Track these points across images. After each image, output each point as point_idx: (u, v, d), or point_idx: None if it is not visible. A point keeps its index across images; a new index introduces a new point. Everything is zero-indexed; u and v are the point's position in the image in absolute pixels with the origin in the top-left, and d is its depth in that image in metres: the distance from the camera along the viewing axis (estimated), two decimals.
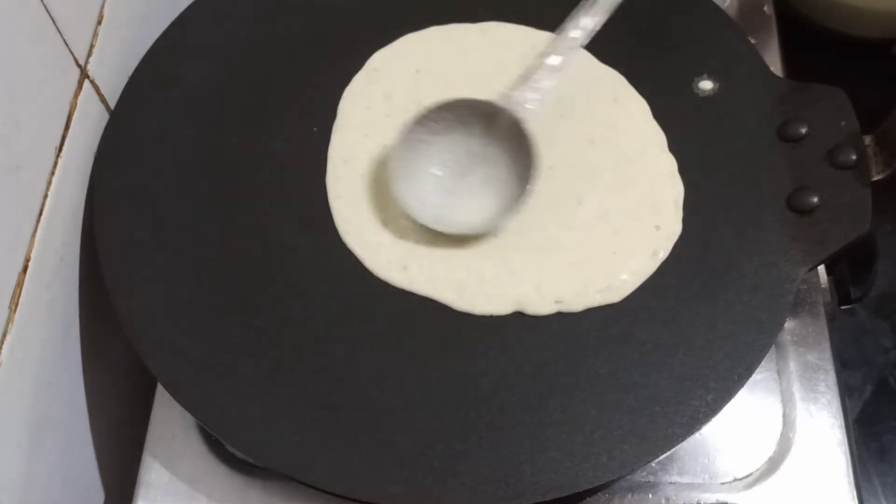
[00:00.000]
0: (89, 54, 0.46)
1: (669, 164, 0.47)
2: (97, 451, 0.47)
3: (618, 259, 0.45)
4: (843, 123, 0.47)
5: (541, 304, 0.44)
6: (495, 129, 0.46)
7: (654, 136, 0.48)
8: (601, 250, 0.45)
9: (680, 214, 0.46)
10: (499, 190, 0.45)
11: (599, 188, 0.47)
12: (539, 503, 0.39)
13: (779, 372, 0.45)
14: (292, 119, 0.49)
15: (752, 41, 0.51)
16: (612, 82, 0.50)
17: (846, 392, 0.46)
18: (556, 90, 0.47)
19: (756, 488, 0.43)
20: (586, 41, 0.47)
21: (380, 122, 0.48)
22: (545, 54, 0.47)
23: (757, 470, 0.43)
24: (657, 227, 0.45)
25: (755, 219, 0.46)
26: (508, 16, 0.52)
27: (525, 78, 0.47)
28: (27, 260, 0.41)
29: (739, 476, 0.43)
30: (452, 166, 0.46)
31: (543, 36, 0.50)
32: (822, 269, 0.47)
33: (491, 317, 0.44)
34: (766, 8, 0.56)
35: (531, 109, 0.46)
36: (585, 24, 0.47)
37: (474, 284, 0.44)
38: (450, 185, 0.46)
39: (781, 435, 0.44)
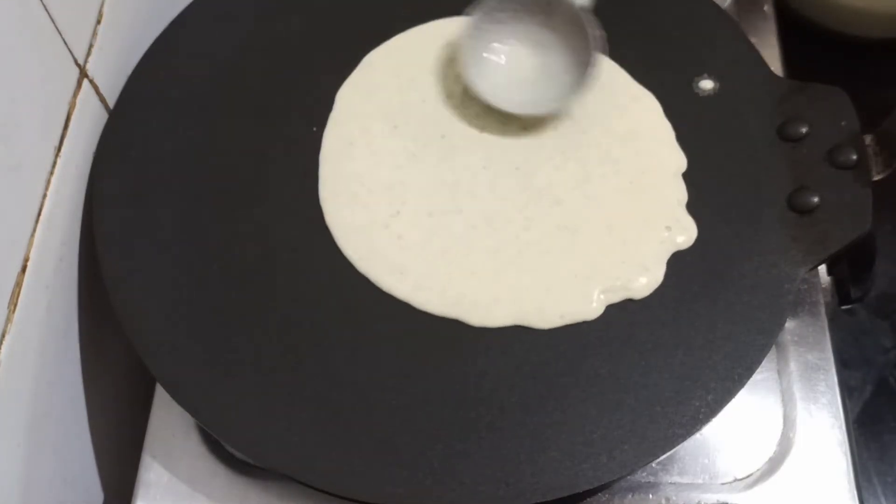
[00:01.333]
0: (88, 54, 0.46)
1: (678, 165, 0.47)
2: (97, 451, 0.47)
3: (627, 268, 0.44)
4: (843, 123, 0.47)
5: (545, 320, 0.43)
6: (555, 17, 0.48)
7: (665, 136, 0.48)
8: (610, 260, 0.44)
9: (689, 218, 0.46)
10: (560, 75, 0.48)
11: (608, 198, 0.46)
12: (539, 503, 0.39)
13: (779, 372, 0.45)
14: (292, 118, 0.49)
15: (752, 41, 0.51)
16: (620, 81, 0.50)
17: (846, 392, 0.46)
18: None
19: (756, 488, 0.43)
20: None
21: (379, 118, 0.48)
22: None
23: (757, 470, 0.43)
24: (668, 228, 0.45)
25: (755, 219, 0.46)
26: None
27: None
28: (26, 260, 0.41)
29: (740, 476, 0.43)
30: (516, 53, 0.49)
31: None
32: (822, 269, 0.48)
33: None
34: (766, 8, 0.56)
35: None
36: None
37: (477, 300, 0.44)
38: (515, 70, 0.49)
39: (781, 435, 0.44)
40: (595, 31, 0.47)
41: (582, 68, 0.47)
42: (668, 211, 0.46)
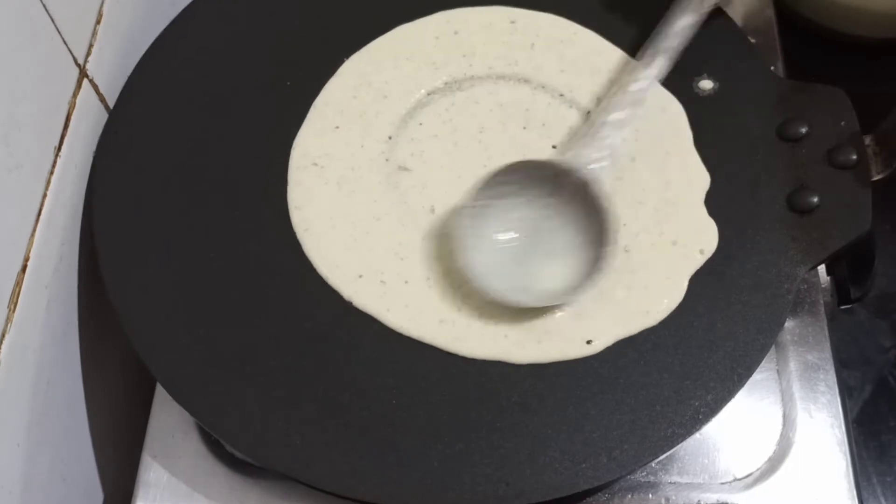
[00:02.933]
0: (88, 53, 0.46)
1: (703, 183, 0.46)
2: (96, 451, 0.47)
3: (653, 293, 0.43)
4: (843, 123, 0.47)
5: (573, 349, 0.42)
6: (562, 190, 0.44)
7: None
8: (635, 286, 0.43)
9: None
10: (571, 255, 0.43)
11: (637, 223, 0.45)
12: (539, 503, 0.39)
13: (779, 372, 0.45)
14: (292, 118, 0.49)
15: (753, 41, 0.51)
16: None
17: (846, 392, 0.46)
18: (622, 146, 0.45)
19: (756, 488, 0.43)
20: (648, 92, 0.46)
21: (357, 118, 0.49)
22: (609, 109, 0.46)
23: (757, 470, 0.43)
24: (701, 252, 0.44)
25: (755, 219, 0.45)
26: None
27: (590, 135, 0.45)
28: (26, 259, 0.41)
29: (739, 476, 0.43)
30: (519, 232, 0.44)
31: (507, 11, 0.51)
32: (822, 269, 0.47)
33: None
34: (766, 8, 0.56)
35: (599, 169, 0.44)
36: (649, 74, 0.46)
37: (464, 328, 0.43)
38: (519, 253, 0.44)
39: (781, 435, 0.44)
40: (608, 207, 0.42)
41: (596, 246, 0.43)
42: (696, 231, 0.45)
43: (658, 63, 0.47)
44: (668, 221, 0.45)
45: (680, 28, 0.48)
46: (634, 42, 0.51)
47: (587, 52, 0.51)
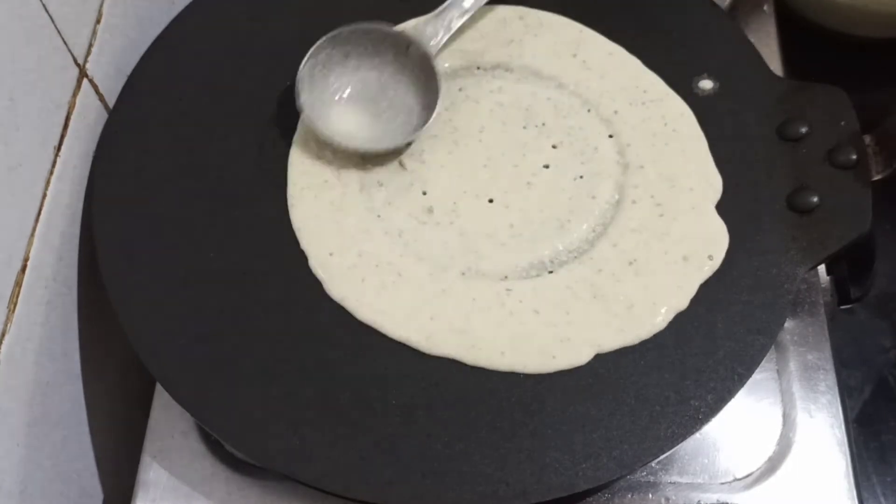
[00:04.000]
0: (88, 53, 0.46)
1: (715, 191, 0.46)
2: (96, 451, 0.47)
3: (661, 301, 0.43)
4: (843, 123, 0.47)
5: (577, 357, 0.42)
6: (406, 58, 0.48)
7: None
8: (641, 295, 0.43)
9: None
10: (403, 115, 0.48)
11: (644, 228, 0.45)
12: (539, 503, 0.39)
13: (779, 372, 0.45)
14: (292, 118, 0.49)
15: (752, 41, 0.51)
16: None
17: (846, 392, 0.46)
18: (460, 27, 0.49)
19: (756, 488, 0.43)
20: None
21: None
22: None
23: (757, 470, 0.43)
24: (710, 258, 0.44)
25: (755, 219, 0.45)
26: None
27: (438, 13, 0.49)
28: (26, 259, 0.41)
29: (739, 476, 0.43)
30: (362, 89, 0.49)
31: (511, 10, 0.52)
32: (822, 268, 0.47)
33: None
34: (766, 8, 0.56)
35: (438, 44, 0.48)
36: None
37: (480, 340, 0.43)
38: (359, 106, 0.48)
39: (781, 435, 0.44)
40: (441, 79, 0.47)
41: (427, 111, 0.47)
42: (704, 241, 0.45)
43: None
44: (681, 228, 0.45)
45: None
46: (635, 42, 0.51)
47: (589, 52, 0.51)
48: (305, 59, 0.47)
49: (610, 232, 0.45)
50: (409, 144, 0.47)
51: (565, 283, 0.44)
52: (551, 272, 0.44)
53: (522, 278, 0.44)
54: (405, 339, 0.43)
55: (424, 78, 0.48)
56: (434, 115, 0.47)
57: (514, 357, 0.42)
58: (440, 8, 0.49)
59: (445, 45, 0.50)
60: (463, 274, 0.44)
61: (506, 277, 0.44)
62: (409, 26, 0.49)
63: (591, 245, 0.45)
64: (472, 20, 0.51)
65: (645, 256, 0.44)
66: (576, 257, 0.45)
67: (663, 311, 0.43)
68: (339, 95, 0.48)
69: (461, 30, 0.51)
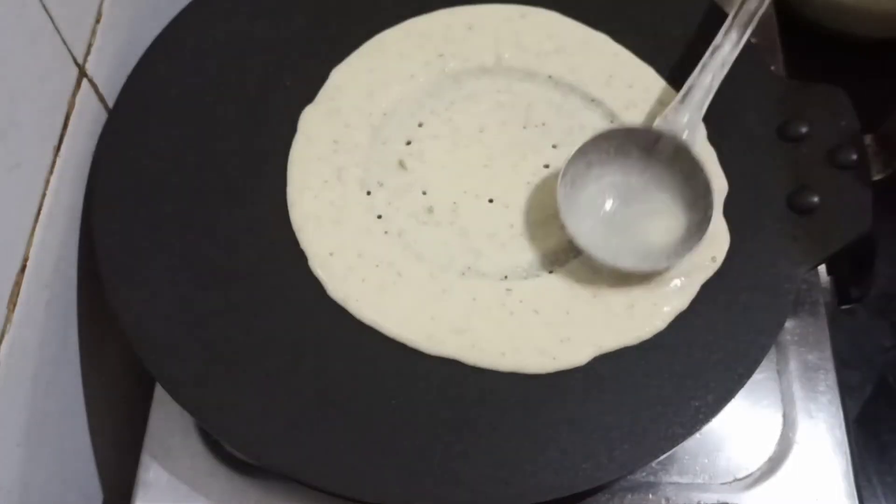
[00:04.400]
0: (87, 53, 0.46)
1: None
2: (96, 451, 0.47)
3: (663, 302, 0.43)
4: (843, 123, 0.47)
5: (577, 357, 0.42)
6: (656, 155, 0.45)
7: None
8: (643, 297, 0.43)
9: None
10: (666, 221, 0.44)
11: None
12: (539, 503, 0.39)
13: (779, 372, 0.45)
14: (292, 117, 0.49)
15: (752, 41, 0.51)
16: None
17: (846, 392, 0.46)
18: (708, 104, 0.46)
19: (756, 488, 0.43)
20: (736, 52, 0.47)
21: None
22: (700, 72, 0.46)
23: (757, 470, 0.43)
24: (713, 259, 0.44)
25: (755, 219, 0.45)
26: None
27: (680, 99, 0.46)
28: (25, 259, 0.41)
29: (739, 476, 0.43)
30: (615, 199, 0.45)
31: (513, 9, 0.51)
32: (822, 269, 0.48)
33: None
34: (766, 8, 0.56)
35: (692, 132, 0.45)
36: (731, 38, 0.47)
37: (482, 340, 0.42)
38: (618, 219, 0.45)
39: (781, 435, 0.44)
40: (706, 169, 0.43)
41: (694, 211, 0.44)
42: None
43: (735, 32, 0.47)
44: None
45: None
46: (635, 42, 0.51)
47: (591, 52, 0.50)
48: (559, 179, 0.44)
49: None
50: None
51: (565, 283, 0.44)
52: (551, 272, 0.44)
53: (522, 278, 0.44)
54: (405, 340, 0.43)
55: (682, 174, 0.44)
56: (711, 213, 0.43)
57: (514, 358, 0.42)
58: (682, 93, 0.46)
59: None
60: (463, 274, 0.44)
61: (506, 277, 0.44)
62: (657, 121, 0.46)
63: None
64: (473, 19, 0.51)
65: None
66: (575, 256, 0.45)
67: (665, 310, 0.43)
68: (599, 210, 0.45)
69: (460, 29, 0.51)
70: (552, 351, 0.42)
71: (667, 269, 0.43)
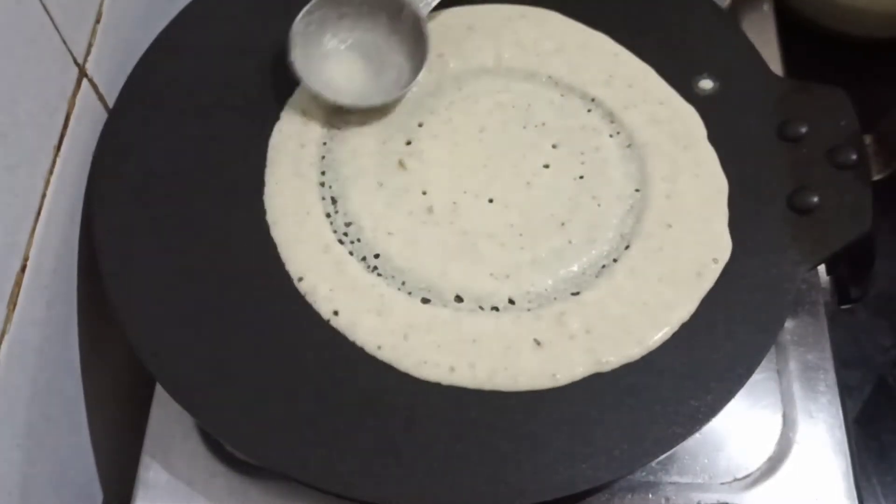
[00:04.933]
0: (87, 53, 0.46)
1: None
2: (96, 451, 0.47)
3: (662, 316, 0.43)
4: (843, 123, 0.47)
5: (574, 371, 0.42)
6: (399, 22, 0.49)
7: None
8: (643, 308, 0.43)
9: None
10: (391, 73, 0.49)
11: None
12: (539, 503, 0.39)
13: (779, 372, 0.45)
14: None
15: (752, 41, 0.51)
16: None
17: (846, 392, 0.46)
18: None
19: (756, 488, 0.43)
20: None
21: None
22: None
23: (757, 470, 0.43)
24: (714, 261, 0.44)
25: (755, 219, 0.45)
26: None
27: None
28: (25, 259, 0.41)
29: (739, 476, 0.43)
30: (355, 48, 0.50)
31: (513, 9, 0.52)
32: (822, 268, 0.47)
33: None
34: (766, 8, 0.56)
35: (429, 6, 0.49)
36: None
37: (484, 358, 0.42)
38: (350, 64, 0.50)
39: (781, 435, 0.44)
40: (429, 42, 0.49)
41: (415, 72, 0.49)
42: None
43: None
44: (690, 237, 0.45)
45: None
46: (635, 42, 0.51)
47: (591, 52, 0.50)
48: (300, 15, 0.48)
49: (612, 236, 0.45)
50: (396, 101, 0.49)
51: (568, 290, 0.44)
52: (552, 282, 0.44)
53: (524, 287, 0.44)
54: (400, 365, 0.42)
55: (415, 40, 0.49)
56: (422, 72, 0.48)
57: (513, 381, 0.41)
58: None
59: (447, 39, 0.50)
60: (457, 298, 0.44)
61: (507, 276, 0.44)
62: None
63: (592, 245, 0.45)
64: (473, 19, 0.51)
65: (650, 262, 0.44)
66: (575, 257, 0.45)
67: (665, 330, 0.42)
68: (331, 52, 0.49)
69: (460, 29, 0.51)
70: (550, 369, 0.42)
71: (384, 103, 0.48)
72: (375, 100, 0.48)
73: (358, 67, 0.50)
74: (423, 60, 0.48)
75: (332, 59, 0.49)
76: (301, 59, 0.48)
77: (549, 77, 0.50)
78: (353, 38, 0.50)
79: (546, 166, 0.47)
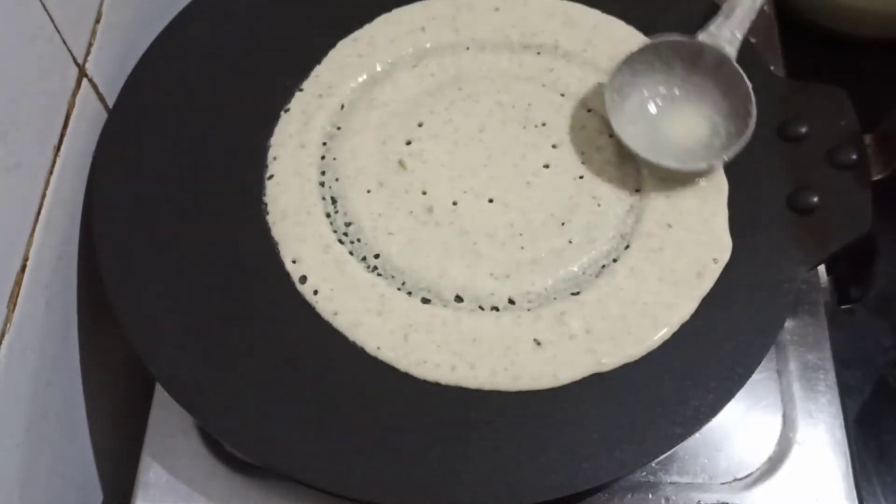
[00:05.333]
0: (87, 53, 0.46)
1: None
2: (96, 451, 0.47)
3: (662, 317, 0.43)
4: (843, 123, 0.47)
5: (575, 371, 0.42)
6: (698, 68, 0.47)
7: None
8: (643, 310, 0.43)
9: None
10: (706, 128, 0.46)
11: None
12: (539, 503, 0.39)
13: (779, 372, 0.45)
14: None
15: (752, 41, 0.51)
16: None
17: (846, 392, 0.46)
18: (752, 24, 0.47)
19: (756, 488, 0.43)
20: None
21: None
22: None
23: (757, 470, 0.43)
24: (714, 261, 0.44)
25: (755, 219, 0.45)
26: None
27: (724, 14, 0.48)
28: (25, 259, 0.41)
29: (739, 476, 0.43)
30: (658, 106, 0.47)
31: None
32: (822, 268, 0.48)
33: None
34: (766, 8, 0.56)
35: (735, 46, 0.47)
36: None
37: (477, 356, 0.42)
38: (661, 124, 0.47)
39: (781, 435, 0.44)
40: (747, 80, 0.46)
41: (734, 121, 0.46)
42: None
43: None
44: (690, 237, 0.45)
45: None
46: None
47: (592, 50, 0.50)
48: (605, 93, 0.47)
49: (612, 236, 0.45)
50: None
51: (568, 290, 0.44)
52: (552, 282, 0.44)
53: (524, 287, 0.44)
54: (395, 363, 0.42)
55: (724, 85, 0.47)
56: (751, 122, 0.45)
57: (514, 382, 0.41)
58: (724, 9, 0.48)
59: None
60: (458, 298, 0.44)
61: (507, 276, 0.44)
62: (700, 35, 0.48)
63: (592, 245, 0.45)
64: (473, 17, 0.51)
65: (650, 262, 0.44)
66: (575, 257, 0.45)
67: (664, 330, 0.42)
68: (642, 114, 0.47)
69: (460, 28, 0.51)
70: (551, 370, 0.41)
71: (708, 170, 0.45)
72: (701, 163, 0.46)
73: (668, 126, 0.47)
74: (745, 105, 0.45)
75: (645, 120, 0.47)
76: (620, 127, 0.46)
77: (549, 77, 0.50)
78: (652, 95, 0.47)
79: (546, 166, 0.47)
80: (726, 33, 0.47)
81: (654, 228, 0.45)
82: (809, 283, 0.47)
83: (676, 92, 0.47)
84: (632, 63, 0.47)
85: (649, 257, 0.44)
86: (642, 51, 0.47)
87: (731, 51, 0.47)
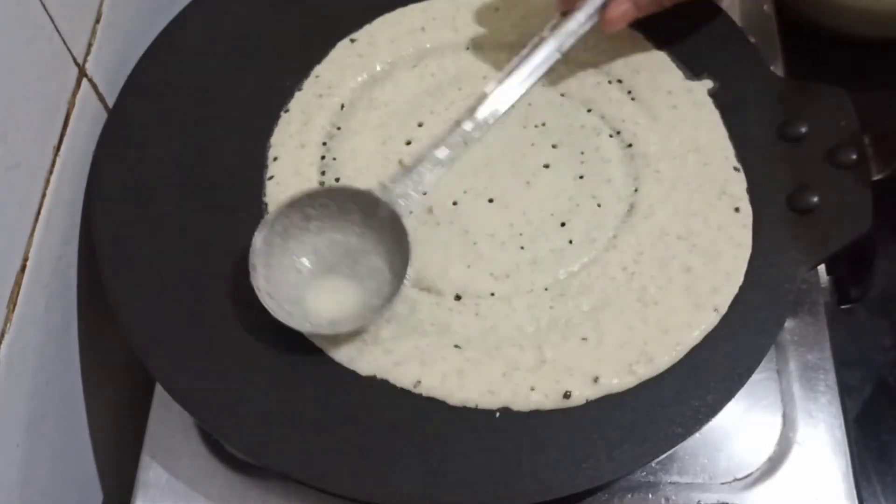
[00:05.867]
0: (87, 53, 0.46)
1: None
2: (95, 451, 0.47)
3: (670, 336, 0.42)
4: (843, 123, 0.47)
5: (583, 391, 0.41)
6: (374, 220, 0.44)
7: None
8: (651, 328, 0.42)
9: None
10: (370, 284, 0.43)
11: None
12: (539, 503, 0.39)
13: (779, 372, 0.45)
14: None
15: (752, 41, 0.51)
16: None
17: (846, 392, 0.46)
18: (436, 184, 0.45)
19: (756, 488, 0.43)
20: (479, 136, 0.47)
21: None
22: (434, 145, 0.46)
23: (757, 470, 0.43)
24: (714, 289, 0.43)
25: (755, 219, 0.45)
26: None
27: (409, 169, 0.46)
28: (25, 259, 0.41)
29: (739, 476, 0.43)
30: (323, 257, 0.44)
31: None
32: (822, 268, 0.48)
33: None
34: (765, 7, 0.56)
35: (409, 204, 0.44)
36: (481, 115, 0.47)
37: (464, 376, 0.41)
38: (315, 279, 0.43)
39: (781, 435, 0.44)
40: (410, 243, 0.42)
41: (397, 279, 0.42)
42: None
43: (488, 103, 0.47)
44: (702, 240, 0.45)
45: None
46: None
47: (594, 50, 0.50)
48: (258, 229, 0.42)
49: (612, 235, 0.45)
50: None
51: (571, 301, 0.43)
52: (546, 289, 0.44)
53: (524, 286, 0.44)
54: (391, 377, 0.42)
55: (395, 241, 0.43)
56: (402, 286, 0.42)
57: (508, 400, 0.41)
58: (411, 163, 0.46)
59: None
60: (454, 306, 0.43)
61: (507, 276, 0.44)
62: (375, 186, 0.45)
63: (592, 245, 0.45)
64: (473, 17, 0.51)
65: (655, 278, 0.44)
66: (575, 257, 0.45)
67: (677, 349, 0.42)
68: (300, 265, 0.43)
69: (460, 27, 0.51)
70: (546, 389, 0.41)
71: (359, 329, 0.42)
72: (349, 326, 0.42)
73: (332, 279, 0.43)
74: (405, 266, 0.42)
75: (303, 273, 0.43)
76: (265, 279, 0.42)
77: (549, 77, 0.50)
78: (323, 242, 0.44)
79: (546, 166, 0.47)
80: (400, 189, 0.45)
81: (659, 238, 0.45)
82: (809, 283, 0.47)
83: (352, 242, 0.44)
84: (302, 206, 0.43)
85: (660, 275, 0.44)
86: (315, 195, 0.44)
87: (405, 205, 0.44)
